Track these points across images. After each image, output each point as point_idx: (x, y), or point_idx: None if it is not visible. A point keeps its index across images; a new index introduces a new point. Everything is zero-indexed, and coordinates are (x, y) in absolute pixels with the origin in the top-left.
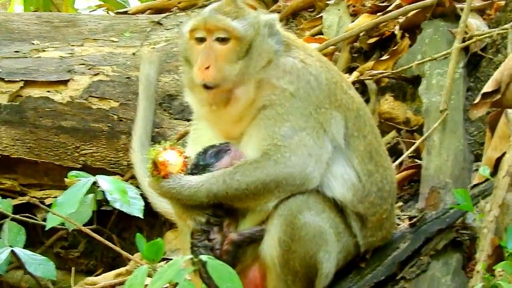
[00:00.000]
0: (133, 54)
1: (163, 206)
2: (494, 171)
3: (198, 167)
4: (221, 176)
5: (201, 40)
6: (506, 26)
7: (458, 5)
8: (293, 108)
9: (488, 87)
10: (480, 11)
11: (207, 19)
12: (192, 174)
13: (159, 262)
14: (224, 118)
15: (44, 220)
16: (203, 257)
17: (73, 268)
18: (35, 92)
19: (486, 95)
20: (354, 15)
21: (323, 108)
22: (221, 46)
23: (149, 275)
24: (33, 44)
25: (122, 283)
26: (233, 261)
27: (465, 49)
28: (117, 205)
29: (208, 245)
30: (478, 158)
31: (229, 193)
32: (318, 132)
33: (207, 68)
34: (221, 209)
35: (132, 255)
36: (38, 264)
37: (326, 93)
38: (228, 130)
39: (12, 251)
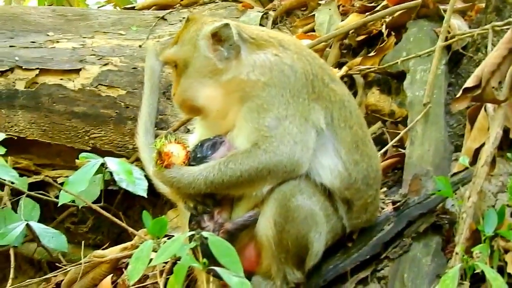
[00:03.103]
0: (140, 46)
1: (165, 187)
2: (473, 161)
3: (196, 159)
4: (216, 165)
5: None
6: (486, 26)
7: (441, 6)
8: (270, 96)
9: (469, 83)
10: (462, 13)
11: (160, 56)
12: (191, 165)
13: (162, 238)
14: (211, 120)
15: (57, 197)
16: (205, 233)
17: (82, 242)
18: (50, 80)
19: (467, 90)
20: (344, 14)
21: (301, 98)
22: (175, 72)
23: (154, 250)
24: (48, 35)
25: (127, 257)
26: None
27: (447, 48)
28: (123, 185)
29: (200, 232)
30: (457, 148)
31: (224, 180)
32: (299, 119)
33: (174, 93)
34: (211, 198)
35: (137, 231)
36: (51, 237)
37: (302, 82)
38: (222, 126)
39: (27, 224)
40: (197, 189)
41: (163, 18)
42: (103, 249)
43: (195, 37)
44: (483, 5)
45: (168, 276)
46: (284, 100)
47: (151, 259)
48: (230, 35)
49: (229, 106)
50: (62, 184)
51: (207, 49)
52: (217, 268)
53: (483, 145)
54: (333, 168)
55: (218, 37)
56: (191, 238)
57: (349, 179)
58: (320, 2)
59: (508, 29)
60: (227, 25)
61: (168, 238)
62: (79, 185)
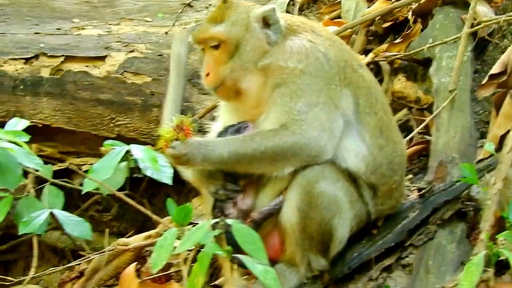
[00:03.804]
0: (166, 33)
1: (187, 166)
2: (499, 148)
3: None
4: (242, 137)
5: (203, 49)
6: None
7: None
8: (304, 84)
9: (495, 69)
10: None
11: (194, 35)
12: None
13: (187, 226)
14: (242, 105)
15: (81, 185)
16: (229, 221)
17: (106, 230)
18: (75, 67)
19: (493, 77)
20: (371, 1)
21: (333, 85)
22: (215, 52)
23: (178, 238)
24: (73, 22)
25: (151, 245)
26: None
27: (473, 34)
28: (148, 173)
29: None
30: (483, 135)
31: (248, 152)
32: (329, 107)
33: (208, 74)
34: (234, 183)
35: (161, 219)
36: (75, 224)
37: (335, 70)
38: (249, 113)
39: (51, 212)
40: (219, 158)
41: (189, 5)
42: (127, 237)
43: (246, 18)
44: None
45: (192, 264)
46: (317, 87)
47: (175, 247)
48: (277, 20)
49: (264, 91)
50: (86, 171)
51: (259, 31)
52: (241, 256)
53: (508, 131)
54: (358, 152)
55: (265, 21)
56: (214, 225)
57: (374, 163)
58: None
59: None
60: (274, 9)
61: (193, 226)
62: (103, 172)
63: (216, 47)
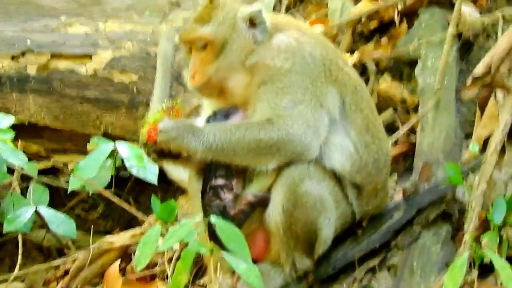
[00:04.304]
0: (153, 31)
1: (176, 173)
2: (483, 148)
3: None
4: (229, 125)
5: (190, 50)
6: (496, 14)
7: None
8: (290, 82)
9: (478, 69)
10: (473, 0)
11: (181, 35)
12: None
13: (172, 224)
14: (226, 103)
15: (67, 182)
16: (212, 219)
17: (91, 228)
18: (62, 64)
19: (477, 77)
20: (357, 0)
21: (319, 83)
22: (203, 52)
23: (162, 235)
24: (60, 19)
25: (137, 243)
26: (244, 220)
27: (459, 35)
28: (133, 171)
29: (220, 204)
30: (468, 136)
31: (232, 140)
32: (315, 105)
33: (194, 75)
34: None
35: (147, 217)
36: (60, 222)
37: (321, 68)
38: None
39: (36, 210)
40: (206, 141)
41: (176, 3)
42: (113, 235)
43: (233, 18)
44: None
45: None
46: (303, 85)
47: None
48: (264, 20)
49: (250, 89)
50: (72, 170)
51: (246, 31)
52: (224, 254)
53: (493, 132)
54: (344, 149)
55: (252, 21)
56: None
57: (360, 161)
58: None
59: None
60: (261, 10)
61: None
62: (89, 170)
63: (203, 47)
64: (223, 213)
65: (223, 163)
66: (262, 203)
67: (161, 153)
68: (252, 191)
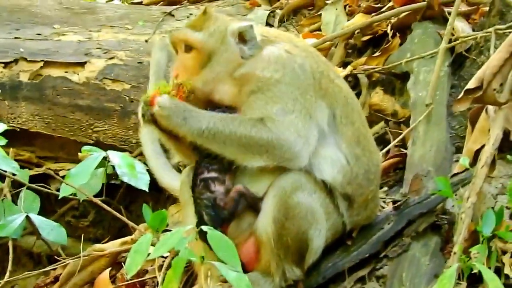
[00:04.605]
0: (146, 41)
1: (168, 181)
2: (473, 162)
3: None
4: (225, 115)
5: (177, 52)
6: (489, 29)
7: (446, 9)
8: (280, 92)
9: (471, 84)
10: (466, 15)
11: (172, 35)
12: None
13: (163, 232)
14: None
15: (58, 190)
16: (204, 228)
17: (82, 235)
18: (54, 72)
19: (469, 92)
20: (350, 14)
21: (308, 95)
22: (187, 55)
23: (153, 244)
24: (54, 28)
25: (127, 251)
26: (234, 211)
27: (451, 50)
28: (125, 179)
29: (211, 196)
30: (458, 150)
31: (226, 130)
32: (305, 116)
33: (176, 77)
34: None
35: (138, 226)
36: (50, 229)
37: (311, 81)
38: None
39: (27, 216)
40: (198, 127)
41: (170, 13)
42: (103, 243)
43: (223, 31)
44: (487, 8)
45: (166, 271)
46: (293, 96)
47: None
48: (254, 37)
49: (239, 99)
50: (64, 177)
51: (234, 46)
52: (214, 262)
53: (483, 146)
54: (335, 161)
55: (242, 37)
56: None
57: (351, 173)
58: (327, 1)
59: (510, 32)
60: (252, 26)
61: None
62: (80, 178)
63: (189, 51)
64: (214, 206)
65: (213, 154)
66: (252, 201)
67: (155, 121)
68: (244, 184)
